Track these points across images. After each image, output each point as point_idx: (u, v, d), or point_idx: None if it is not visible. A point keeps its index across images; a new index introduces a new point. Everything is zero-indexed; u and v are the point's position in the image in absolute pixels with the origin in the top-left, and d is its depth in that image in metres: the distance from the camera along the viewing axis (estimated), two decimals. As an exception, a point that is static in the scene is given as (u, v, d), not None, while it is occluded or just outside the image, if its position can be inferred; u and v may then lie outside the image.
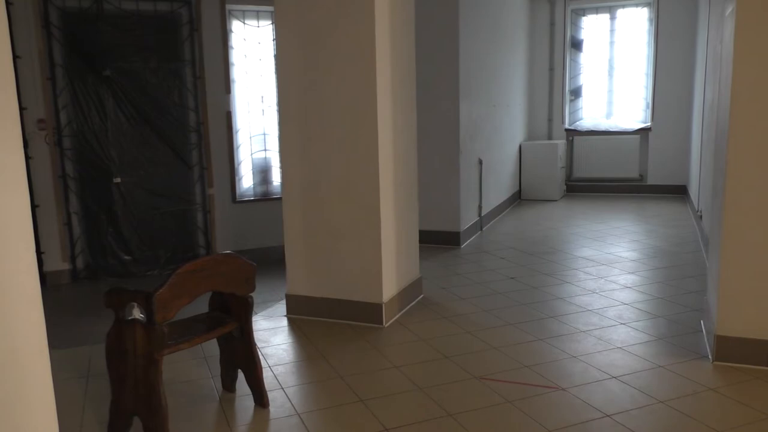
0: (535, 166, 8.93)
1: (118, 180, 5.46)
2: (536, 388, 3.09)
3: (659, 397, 2.95)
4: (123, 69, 5.37)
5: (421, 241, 4.72)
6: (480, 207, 6.85)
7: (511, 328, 3.93)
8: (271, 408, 2.97)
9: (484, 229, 6.95)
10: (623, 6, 9.10)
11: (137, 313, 2.48)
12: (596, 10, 9.27)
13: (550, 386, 3.10)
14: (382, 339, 3.83)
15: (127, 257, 5.55)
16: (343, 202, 4.04)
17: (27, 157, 1.53)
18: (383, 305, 4.02)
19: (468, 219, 6.47)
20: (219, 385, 3.18)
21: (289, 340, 3.90)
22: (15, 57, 1.37)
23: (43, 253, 5.20)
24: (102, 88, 5.32)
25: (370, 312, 4.04)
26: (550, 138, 9.55)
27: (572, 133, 9.43)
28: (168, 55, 5.56)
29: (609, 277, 4.95)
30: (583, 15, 9.36)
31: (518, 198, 9.02)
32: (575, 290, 4.66)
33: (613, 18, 9.19)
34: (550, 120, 9.57)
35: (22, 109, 4.87)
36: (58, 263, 5.35)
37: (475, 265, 5.53)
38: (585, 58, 9.45)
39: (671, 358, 3.39)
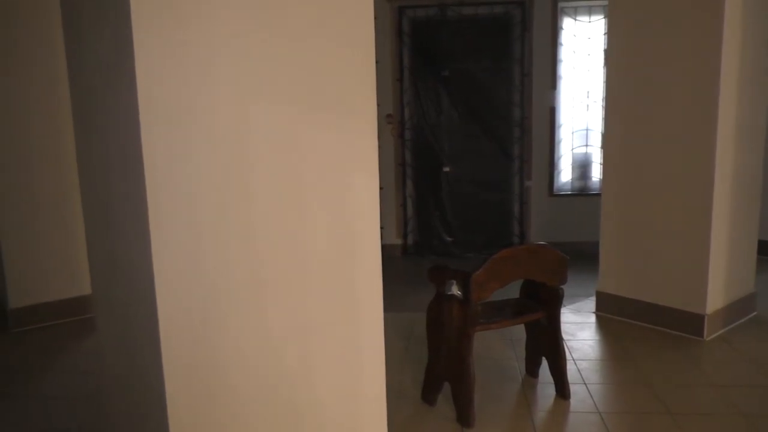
0: None
1: (447, 169, 6.02)
2: None
3: None
4: (459, 69, 5.87)
5: (760, 252, 4.15)
6: None
7: None
8: (572, 401, 2.99)
9: None
10: None
11: (456, 290, 2.75)
12: None
13: None
14: (702, 353, 3.52)
15: (449, 239, 6.11)
16: (669, 202, 3.80)
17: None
18: (705, 317, 3.68)
19: (829, 232, 5.42)
20: (522, 368, 3.32)
21: (596, 338, 3.85)
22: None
23: (382, 228, 6.02)
24: (440, 87, 5.91)
25: (690, 322, 3.73)
26: None
27: None
28: (499, 54, 5.89)
29: None
30: None
31: None
32: None
33: None
34: None
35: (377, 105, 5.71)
36: (393, 238, 6.16)
37: (834, 287, 4.63)
38: None
39: None
